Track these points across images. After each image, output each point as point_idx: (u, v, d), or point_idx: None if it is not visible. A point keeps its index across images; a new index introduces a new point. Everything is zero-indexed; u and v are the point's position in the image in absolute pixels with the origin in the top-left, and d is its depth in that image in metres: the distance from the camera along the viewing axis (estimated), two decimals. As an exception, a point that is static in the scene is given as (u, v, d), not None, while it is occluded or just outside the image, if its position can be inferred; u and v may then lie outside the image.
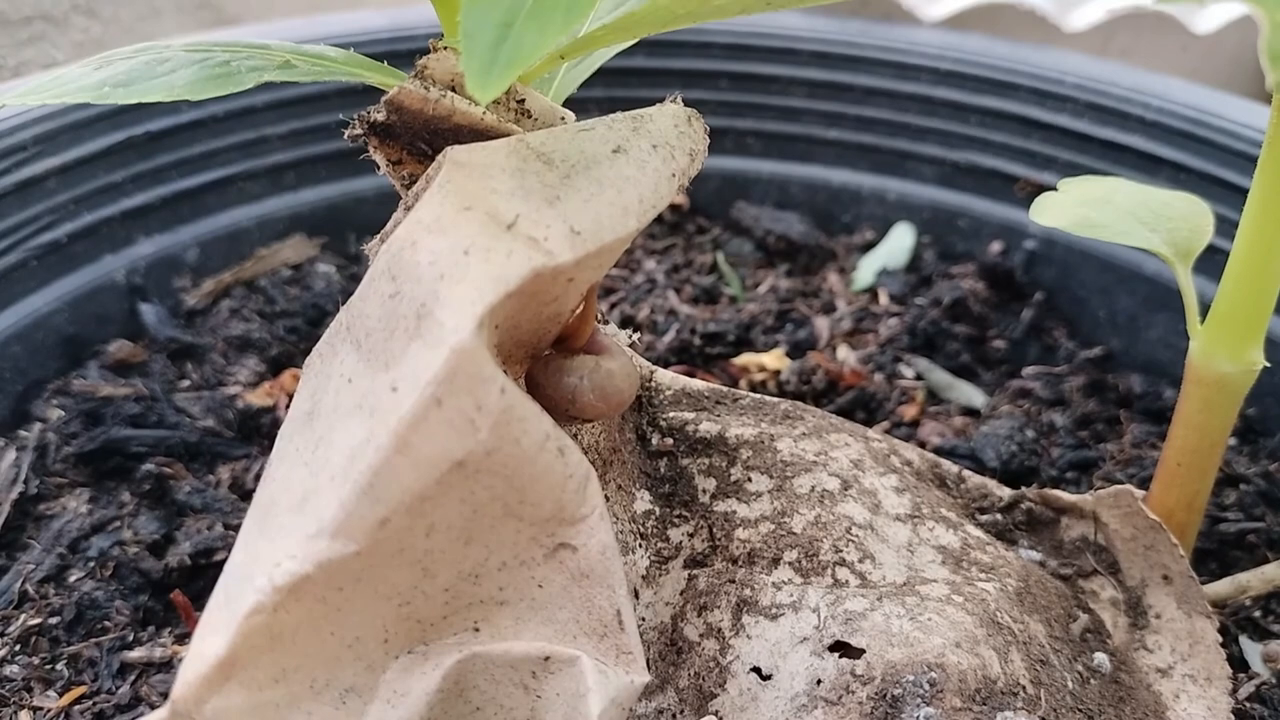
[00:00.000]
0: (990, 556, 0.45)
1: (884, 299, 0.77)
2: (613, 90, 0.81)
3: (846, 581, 0.43)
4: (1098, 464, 0.63)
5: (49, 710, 0.48)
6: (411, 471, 0.31)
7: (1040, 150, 0.77)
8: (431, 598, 0.34)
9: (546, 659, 0.35)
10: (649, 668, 0.43)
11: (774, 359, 0.70)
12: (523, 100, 0.40)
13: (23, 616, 0.51)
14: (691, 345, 0.71)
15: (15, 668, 0.49)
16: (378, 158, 0.40)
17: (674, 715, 0.41)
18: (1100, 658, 0.45)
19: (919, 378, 0.70)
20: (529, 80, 0.41)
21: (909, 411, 0.67)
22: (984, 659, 0.39)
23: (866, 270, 0.79)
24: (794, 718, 0.39)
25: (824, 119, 0.83)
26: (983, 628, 0.40)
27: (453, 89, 0.38)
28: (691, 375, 0.69)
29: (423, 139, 0.39)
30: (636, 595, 0.45)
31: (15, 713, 0.47)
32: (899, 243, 0.80)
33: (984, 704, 0.37)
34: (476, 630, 0.35)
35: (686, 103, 0.77)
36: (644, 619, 0.44)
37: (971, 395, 0.70)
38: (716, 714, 0.40)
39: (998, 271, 0.77)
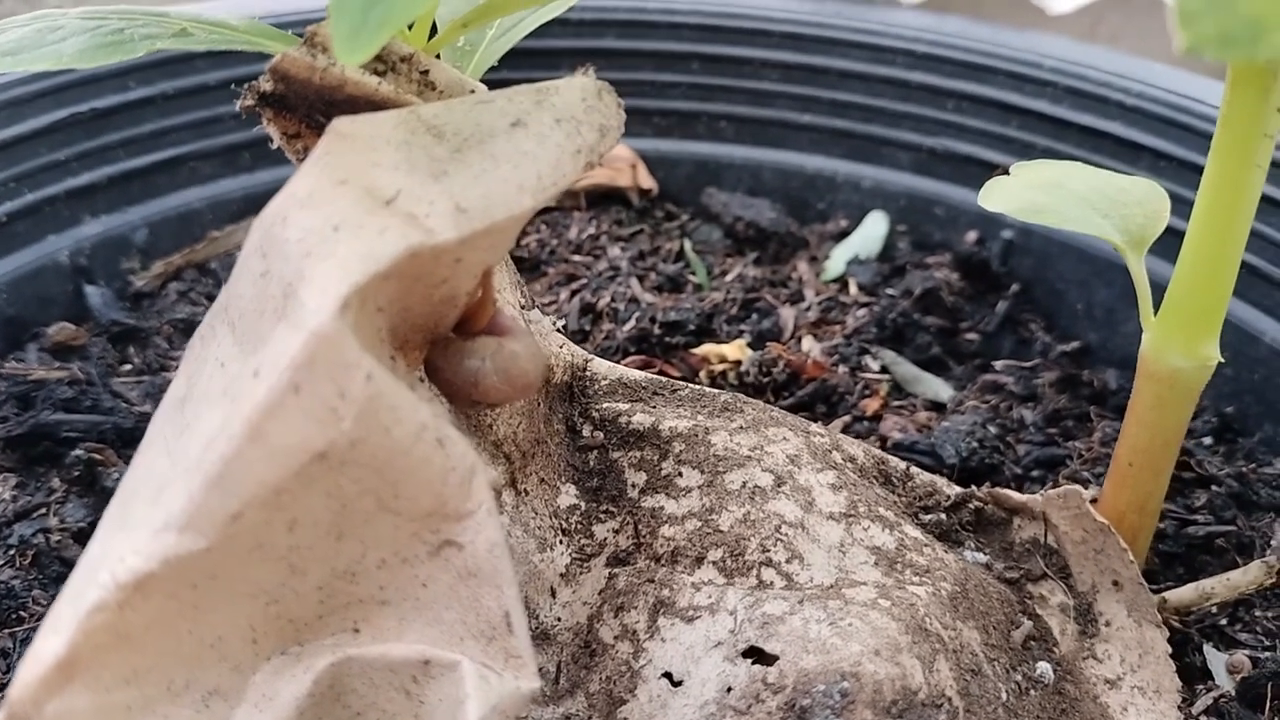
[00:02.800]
0: (927, 559, 0.43)
1: (853, 289, 0.74)
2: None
3: (771, 583, 0.41)
4: (1065, 462, 0.61)
5: (-46, 703, 0.46)
6: (266, 463, 0.29)
7: (1018, 136, 0.74)
8: (303, 596, 0.32)
9: (426, 663, 0.33)
10: (560, 671, 0.41)
11: (735, 350, 0.68)
12: (426, 71, 0.38)
13: (-67, 605, 0.49)
14: (651, 335, 0.68)
15: (-78, 659, 0.48)
16: (271, 130, 0.38)
17: (582, 722, 0.39)
18: (1043, 667, 0.43)
19: (884, 371, 0.68)
20: (434, 50, 0.39)
21: (871, 405, 0.65)
22: (905, 668, 0.37)
23: (838, 259, 0.77)
24: (702, 727, 0.36)
25: (798, 103, 0.80)
26: (908, 634, 0.38)
27: (348, 58, 0.36)
28: (649, 366, 0.67)
29: (319, 110, 0.37)
30: (554, 594, 0.43)
31: (-84, 706, 0.46)
32: (872, 231, 0.78)
33: (899, 716, 0.35)
34: (356, 631, 0.33)
35: (656, 86, 0.74)
36: (560, 619, 0.42)
37: (939, 389, 0.67)
38: (624, 721, 0.38)
39: (973, 262, 0.75)
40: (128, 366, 0.65)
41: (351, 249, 0.30)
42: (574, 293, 0.72)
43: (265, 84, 0.36)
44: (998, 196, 0.43)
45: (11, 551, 0.52)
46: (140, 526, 0.29)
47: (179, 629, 0.30)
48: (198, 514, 0.29)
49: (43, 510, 0.55)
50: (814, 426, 0.49)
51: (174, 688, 0.31)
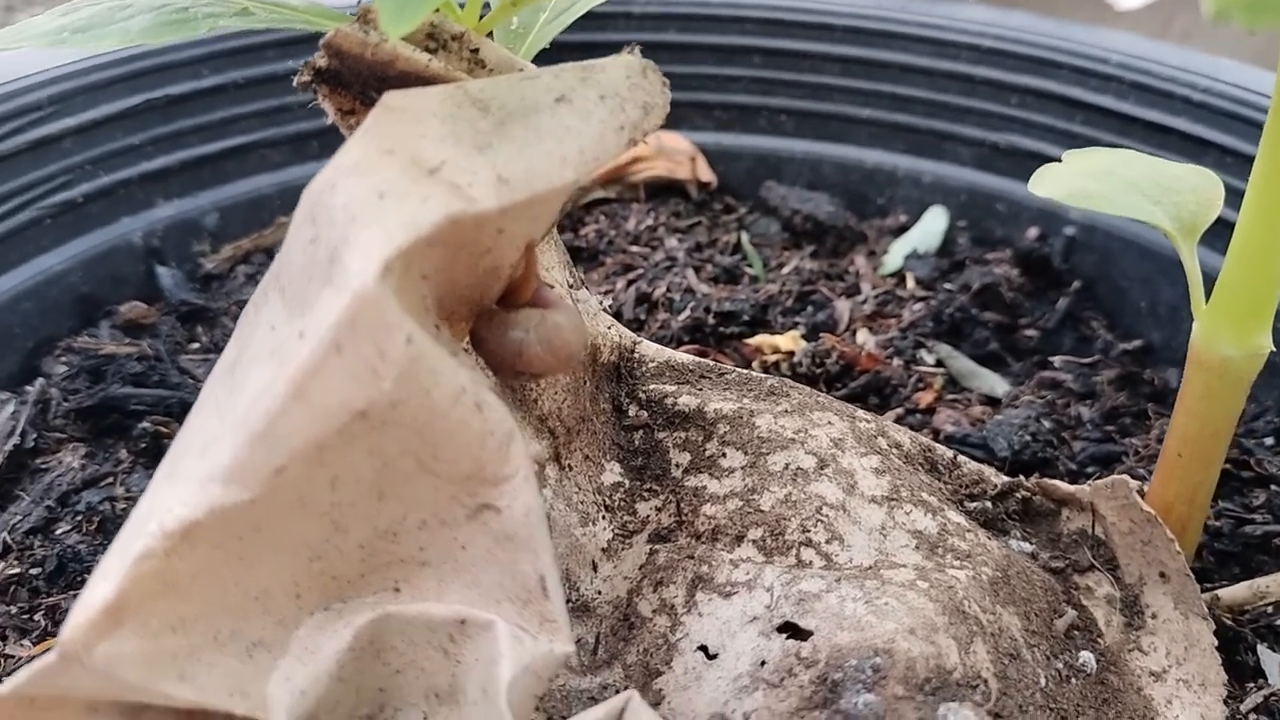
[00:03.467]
0: (969, 544, 0.43)
1: (911, 283, 0.74)
2: (643, 65, 0.80)
3: (810, 562, 0.41)
4: (1120, 459, 0.60)
5: (20, 659, 0.48)
6: (309, 420, 0.30)
7: (1083, 132, 0.73)
8: (346, 554, 0.33)
9: (463, 622, 0.34)
10: (599, 643, 0.42)
11: (789, 340, 0.68)
12: (477, 50, 0.39)
13: (4, 566, 0.51)
14: (705, 324, 0.69)
15: (-9, 616, 0.49)
16: (326, 106, 0.39)
17: (618, 691, 0.40)
18: (1086, 656, 0.43)
19: (939, 364, 0.67)
20: (485, 29, 0.40)
21: (925, 398, 0.65)
22: (940, 647, 0.37)
23: (896, 254, 0.76)
24: (734, 699, 0.37)
25: (859, 98, 0.80)
26: (945, 616, 0.38)
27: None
28: (703, 355, 0.67)
29: (373, 87, 0.38)
30: (595, 568, 0.44)
31: (-15, 660, 0.48)
32: (931, 226, 0.78)
33: (932, 694, 0.35)
34: (397, 590, 0.34)
35: (718, 79, 0.75)
36: (600, 592, 0.43)
37: (995, 384, 0.67)
38: (659, 692, 0.39)
39: (1034, 258, 0.74)
40: (195, 345, 0.67)
41: (395, 215, 0.30)
42: (630, 282, 0.73)
43: (320, 59, 0.37)
44: (1048, 182, 0.43)
45: (78, 517, 0.54)
46: (188, 479, 0.30)
47: (225, 580, 0.31)
48: (242, 467, 0.30)
49: (110, 479, 0.57)
50: (860, 412, 0.49)
51: (220, 638, 0.32)
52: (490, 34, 0.42)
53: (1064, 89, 0.74)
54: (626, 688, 0.39)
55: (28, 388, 0.61)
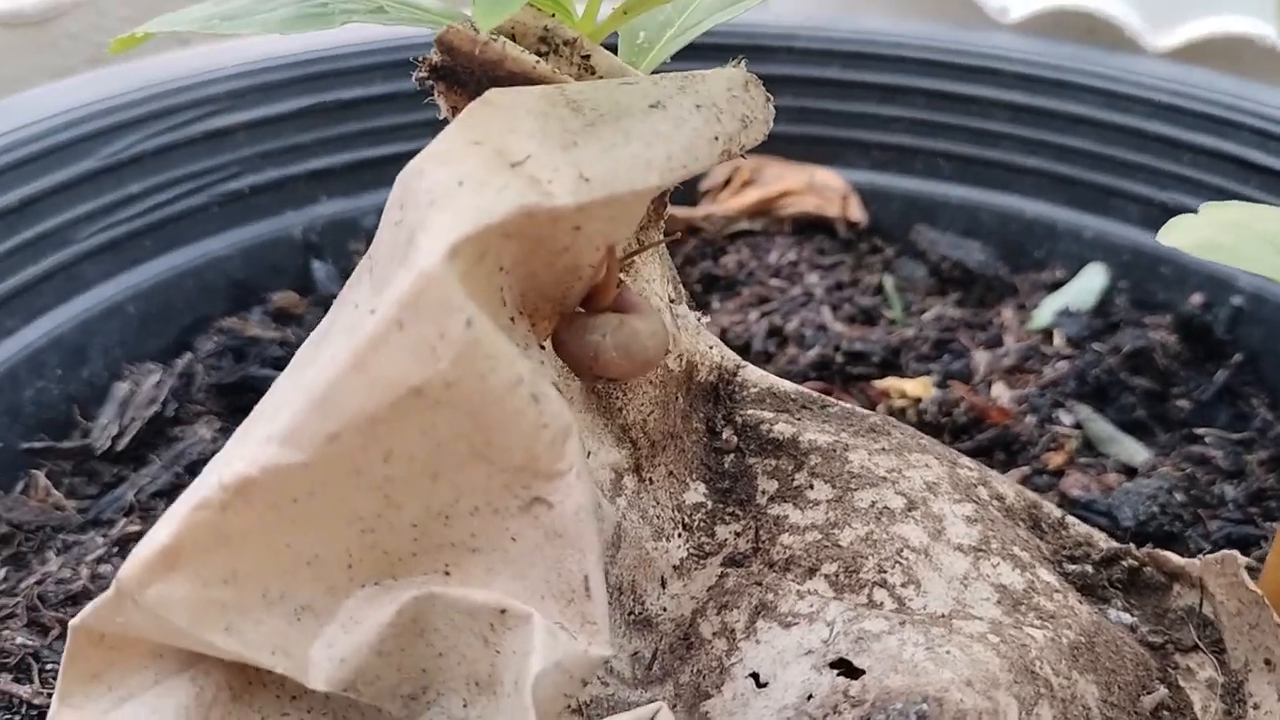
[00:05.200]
0: (1055, 605, 0.41)
1: (1058, 340, 0.71)
2: (803, 100, 0.80)
3: (881, 603, 0.40)
4: (1259, 543, 0.56)
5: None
6: (365, 391, 0.30)
7: (1259, 197, 0.69)
8: (398, 531, 0.34)
9: (503, 612, 0.34)
10: (655, 658, 0.41)
11: (918, 386, 0.66)
12: (588, 56, 0.39)
13: (126, 523, 0.54)
14: (834, 362, 0.68)
15: (109, 567, 0.52)
16: (441, 103, 0.40)
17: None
18: (1175, 740, 0.40)
19: (1077, 426, 0.64)
20: (599, 37, 0.40)
21: (1054, 459, 0.62)
22: (998, 704, 0.35)
23: (1047, 309, 0.73)
24: (776, 729, 0.36)
25: (1023, 146, 0.78)
26: (1010, 673, 0.36)
27: (512, 37, 0.38)
28: (828, 393, 0.66)
29: (485, 87, 0.39)
30: (664, 584, 0.43)
31: (97, 606, 0.50)
32: (1088, 283, 0.74)
33: (980, 750, 0.33)
34: (447, 574, 0.35)
35: (878, 119, 0.74)
36: (665, 609, 0.43)
37: (1135, 453, 0.63)
38: (705, 715, 0.38)
39: (1194, 325, 0.70)
40: (337, 337, 0.70)
41: (469, 201, 0.31)
42: (764, 315, 0.72)
43: (435, 56, 0.38)
44: (1177, 232, 0.41)
45: (203, 485, 0.57)
46: (252, 438, 0.32)
47: (278, 541, 0.32)
48: (299, 430, 0.31)
49: (238, 453, 0.59)
50: (964, 459, 0.47)
51: (269, 596, 0.33)
52: (615, 48, 0.43)
53: (1242, 150, 0.70)
54: (674, 707, 0.39)
55: (177, 361, 0.65)
